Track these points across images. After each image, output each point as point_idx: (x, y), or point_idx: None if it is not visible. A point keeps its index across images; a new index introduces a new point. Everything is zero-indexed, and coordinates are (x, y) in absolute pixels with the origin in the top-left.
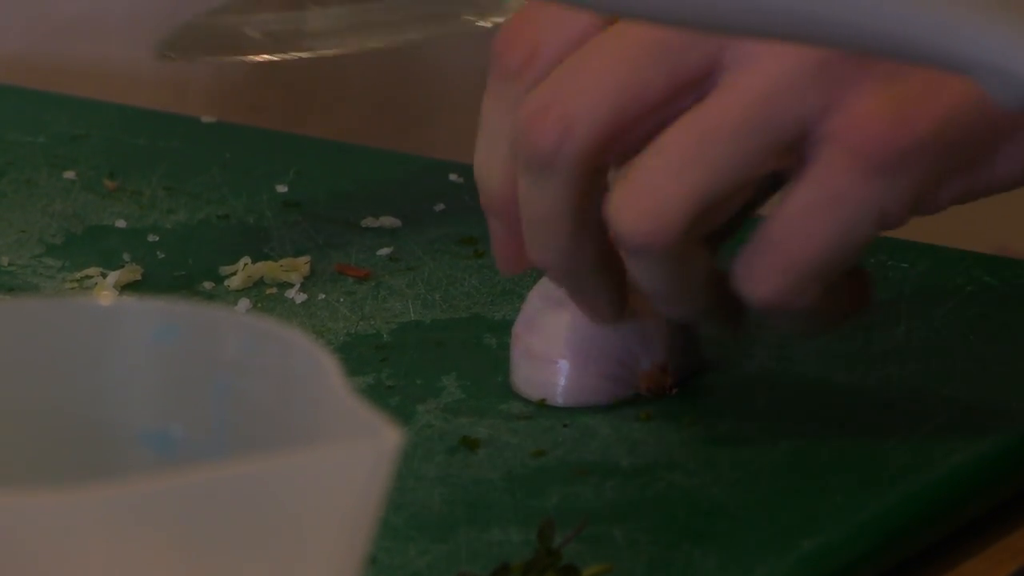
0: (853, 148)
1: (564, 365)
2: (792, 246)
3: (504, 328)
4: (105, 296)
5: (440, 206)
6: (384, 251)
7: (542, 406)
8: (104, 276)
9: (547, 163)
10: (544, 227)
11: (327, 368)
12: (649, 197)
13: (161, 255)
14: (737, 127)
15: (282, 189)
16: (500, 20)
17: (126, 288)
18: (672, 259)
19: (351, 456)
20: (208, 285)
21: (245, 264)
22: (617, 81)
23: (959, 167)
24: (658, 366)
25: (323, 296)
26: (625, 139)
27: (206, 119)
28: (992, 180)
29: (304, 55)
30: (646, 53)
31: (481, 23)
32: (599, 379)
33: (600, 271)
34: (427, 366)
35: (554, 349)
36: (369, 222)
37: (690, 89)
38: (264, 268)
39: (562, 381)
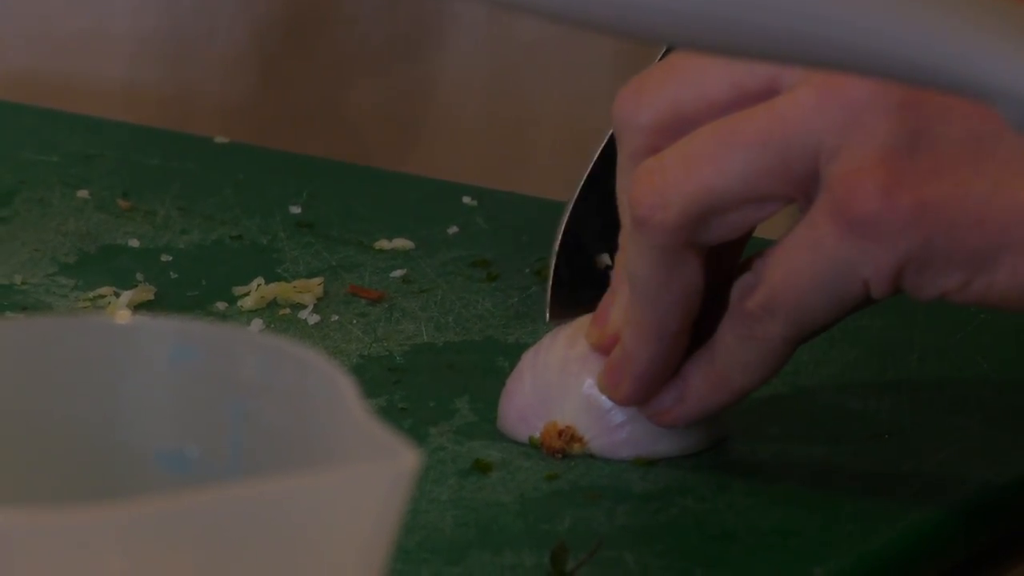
0: (837, 202)
1: (504, 393)
2: (775, 275)
3: (517, 351)
4: (123, 315)
5: (454, 228)
6: (397, 273)
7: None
8: (117, 295)
9: (641, 224)
10: (631, 281)
11: (344, 389)
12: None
13: (174, 275)
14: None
15: (295, 210)
16: None
17: (139, 308)
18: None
19: (369, 477)
20: (221, 305)
21: (258, 285)
22: (719, 171)
23: (950, 260)
24: (555, 428)
25: (336, 317)
26: (718, 220)
27: (219, 139)
28: (991, 287)
29: None
30: (757, 146)
31: None
32: (516, 419)
33: (660, 345)
34: (440, 389)
35: (512, 376)
36: (382, 244)
37: (794, 187)
38: (277, 289)
39: (500, 408)
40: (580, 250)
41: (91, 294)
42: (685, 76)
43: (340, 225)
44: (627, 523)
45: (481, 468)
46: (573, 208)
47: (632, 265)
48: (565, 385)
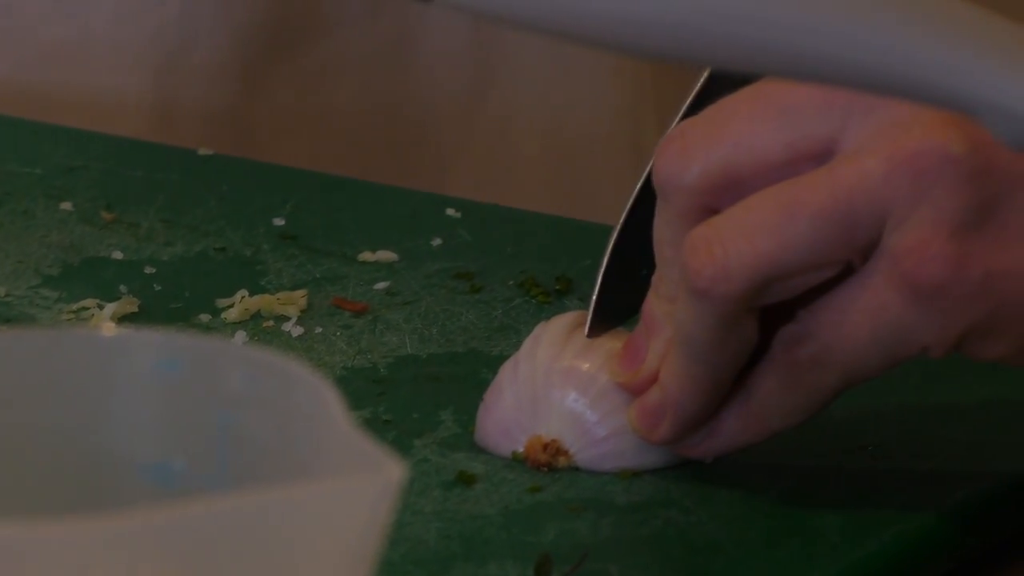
0: (904, 272)
1: (482, 407)
2: (828, 331)
3: (501, 363)
4: (108, 327)
5: (437, 241)
6: (381, 285)
7: None
8: (101, 308)
9: (701, 295)
10: (685, 340)
11: (329, 401)
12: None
13: (158, 287)
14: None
15: (279, 222)
16: None
17: (123, 320)
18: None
19: (354, 489)
20: (205, 318)
21: (242, 297)
22: (783, 243)
23: (1011, 329)
24: (539, 442)
25: (320, 329)
26: (777, 287)
27: (203, 151)
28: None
29: None
30: (822, 217)
31: None
32: (497, 433)
33: (709, 396)
34: (424, 401)
35: (491, 389)
36: (366, 256)
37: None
38: (261, 301)
39: (478, 421)
40: (625, 269)
41: (75, 306)
42: (734, 136)
43: (324, 237)
44: (611, 535)
45: (465, 480)
46: (622, 226)
47: (687, 328)
48: (549, 398)
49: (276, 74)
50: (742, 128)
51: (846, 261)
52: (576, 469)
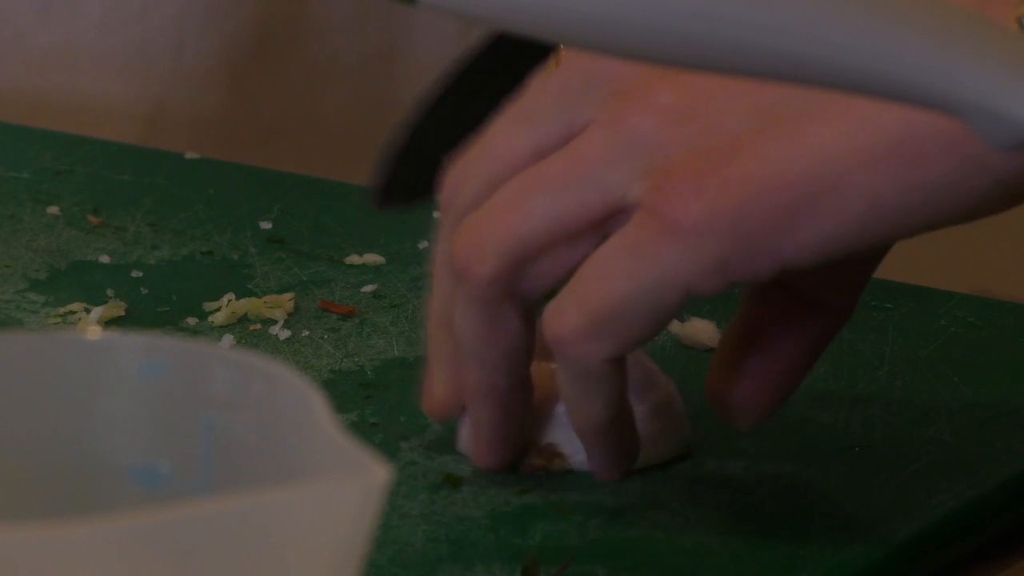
0: (652, 210)
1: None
2: (590, 286)
3: None
4: (92, 331)
5: (424, 243)
6: (368, 288)
7: None
8: (88, 312)
9: (461, 276)
10: (460, 341)
11: (314, 404)
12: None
13: (145, 291)
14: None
15: (266, 226)
16: None
17: (110, 324)
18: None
19: (339, 492)
20: (192, 321)
21: (229, 300)
22: (524, 216)
23: (772, 229)
24: (534, 446)
25: (307, 333)
26: (533, 268)
27: (190, 155)
28: (824, 239)
29: None
30: (557, 188)
31: None
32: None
33: (497, 406)
34: (411, 403)
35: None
36: (353, 259)
37: (600, 223)
38: (248, 304)
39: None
40: (422, 148)
41: (62, 310)
42: (494, 152)
43: (311, 240)
44: (598, 537)
45: (452, 482)
46: (430, 107)
47: (457, 322)
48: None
49: (263, 79)
50: (498, 143)
51: (594, 233)
52: (568, 472)
